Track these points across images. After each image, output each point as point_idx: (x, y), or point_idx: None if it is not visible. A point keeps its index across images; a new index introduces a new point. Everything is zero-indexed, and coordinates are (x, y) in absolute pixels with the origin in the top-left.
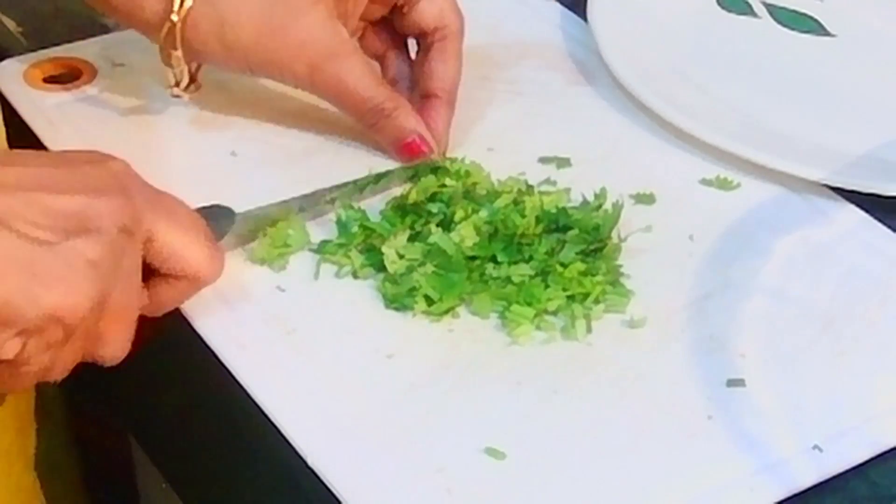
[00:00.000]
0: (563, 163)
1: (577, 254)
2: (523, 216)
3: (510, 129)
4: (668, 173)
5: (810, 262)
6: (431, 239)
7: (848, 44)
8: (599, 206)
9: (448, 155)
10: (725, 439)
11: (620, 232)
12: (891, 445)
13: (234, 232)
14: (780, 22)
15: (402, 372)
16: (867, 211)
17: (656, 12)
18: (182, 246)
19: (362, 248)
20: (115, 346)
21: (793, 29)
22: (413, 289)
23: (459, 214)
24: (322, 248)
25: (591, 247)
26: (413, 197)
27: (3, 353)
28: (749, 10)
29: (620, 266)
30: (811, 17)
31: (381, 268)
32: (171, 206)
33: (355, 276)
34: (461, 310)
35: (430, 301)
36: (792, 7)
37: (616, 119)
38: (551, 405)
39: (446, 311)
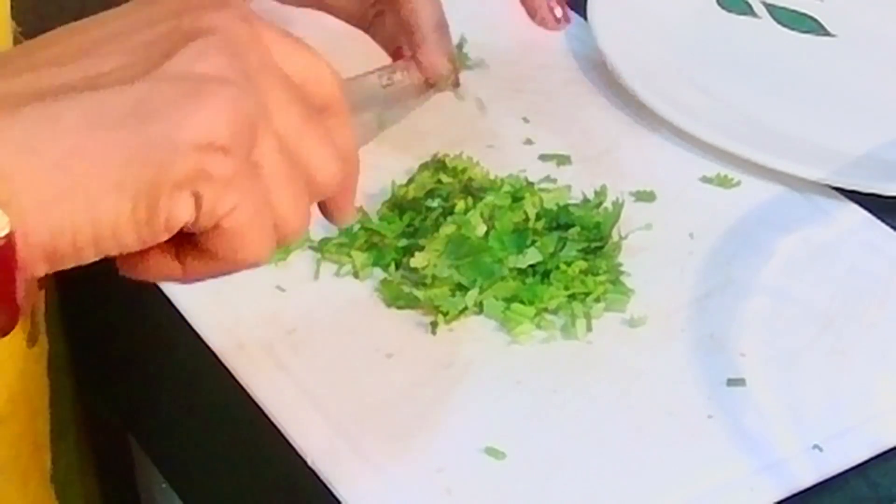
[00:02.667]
0: (563, 160)
1: (577, 252)
2: (524, 211)
3: (510, 126)
4: (668, 171)
5: (811, 262)
6: (443, 231)
7: (848, 44)
8: (600, 204)
9: (447, 152)
10: (725, 439)
11: (621, 230)
12: (891, 445)
13: None
14: (780, 22)
15: (402, 372)
16: (867, 210)
17: (656, 12)
18: (310, 67)
19: (363, 246)
20: (295, 199)
21: (793, 29)
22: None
23: (460, 206)
24: (322, 247)
25: (592, 245)
26: (411, 193)
27: (178, 219)
28: (749, 10)
29: (621, 264)
30: (811, 17)
31: (383, 266)
32: (286, 32)
33: (356, 275)
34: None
35: (455, 291)
36: (792, 7)
37: (616, 117)
38: (551, 405)
39: (464, 310)
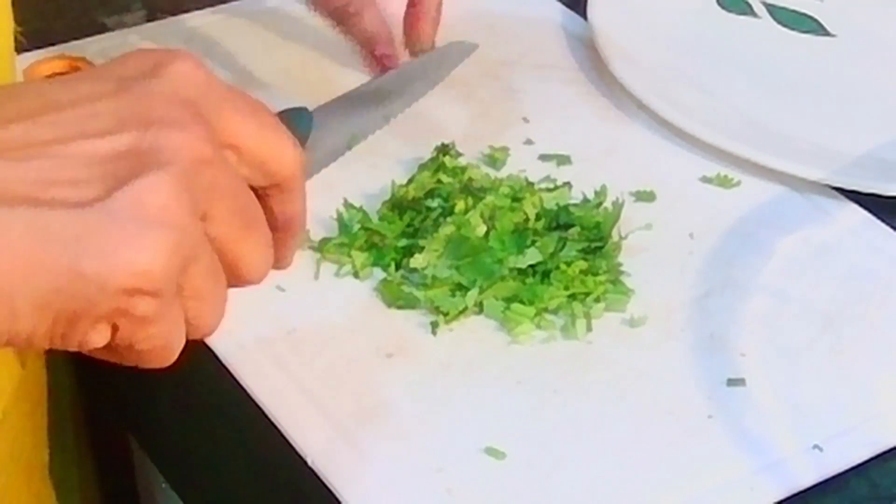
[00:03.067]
0: (563, 160)
1: (577, 252)
2: (524, 211)
3: (510, 127)
4: (668, 171)
5: (811, 262)
6: (442, 232)
7: (848, 44)
8: (600, 204)
9: (447, 152)
10: (725, 439)
11: (621, 230)
12: (891, 445)
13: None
14: (780, 22)
15: (402, 372)
16: (867, 210)
17: (656, 12)
18: (273, 148)
19: (363, 246)
20: (212, 308)
21: (793, 29)
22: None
23: (460, 206)
24: (322, 247)
25: (592, 245)
26: (411, 194)
27: (91, 344)
28: (749, 10)
29: (621, 264)
30: (811, 17)
31: (384, 266)
32: (252, 102)
33: (356, 275)
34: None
35: (455, 291)
36: (792, 7)
37: (616, 117)
38: (551, 404)
39: (464, 310)
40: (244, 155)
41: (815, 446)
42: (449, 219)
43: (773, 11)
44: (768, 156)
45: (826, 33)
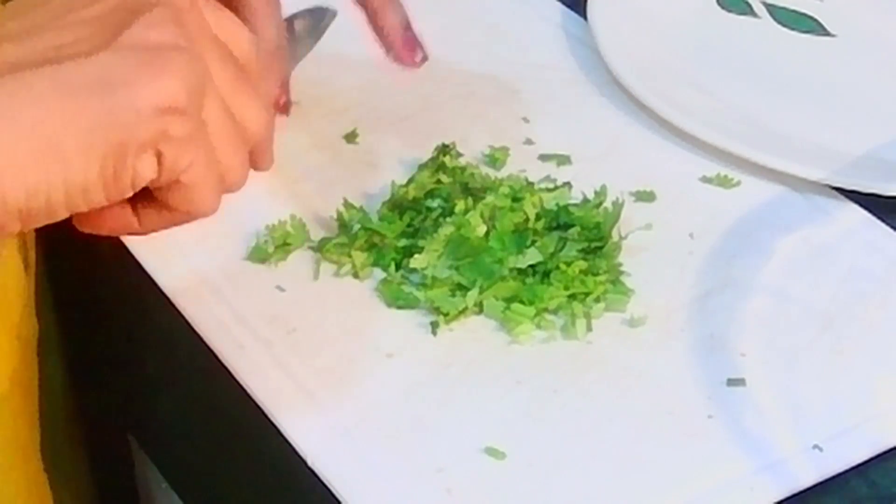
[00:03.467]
0: (563, 160)
1: (577, 252)
2: (524, 211)
3: (510, 127)
4: (668, 171)
5: (811, 262)
6: (442, 232)
7: (848, 44)
8: (600, 204)
9: (447, 152)
10: (725, 439)
11: (621, 230)
12: (891, 445)
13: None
14: (780, 22)
15: (402, 372)
16: (867, 210)
17: (656, 12)
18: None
19: (363, 246)
20: (236, 153)
21: (793, 29)
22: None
23: (460, 206)
24: (322, 247)
25: (592, 245)
26: (411, 194)
27: (142, 177)
28: (749, 10)
29: (621, 264)
30: (811, 17)
31: (384, 266)
32: None
33: (355, 275)
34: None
35: (455, 291)
36: (792, 7)
37: (616, 117)
38: (551, 404)
39: (464, 310)
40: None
41: (815, 446)
42: (449, 219)
43: (773, 11)
44: (768, 156)
45: (826, 33)
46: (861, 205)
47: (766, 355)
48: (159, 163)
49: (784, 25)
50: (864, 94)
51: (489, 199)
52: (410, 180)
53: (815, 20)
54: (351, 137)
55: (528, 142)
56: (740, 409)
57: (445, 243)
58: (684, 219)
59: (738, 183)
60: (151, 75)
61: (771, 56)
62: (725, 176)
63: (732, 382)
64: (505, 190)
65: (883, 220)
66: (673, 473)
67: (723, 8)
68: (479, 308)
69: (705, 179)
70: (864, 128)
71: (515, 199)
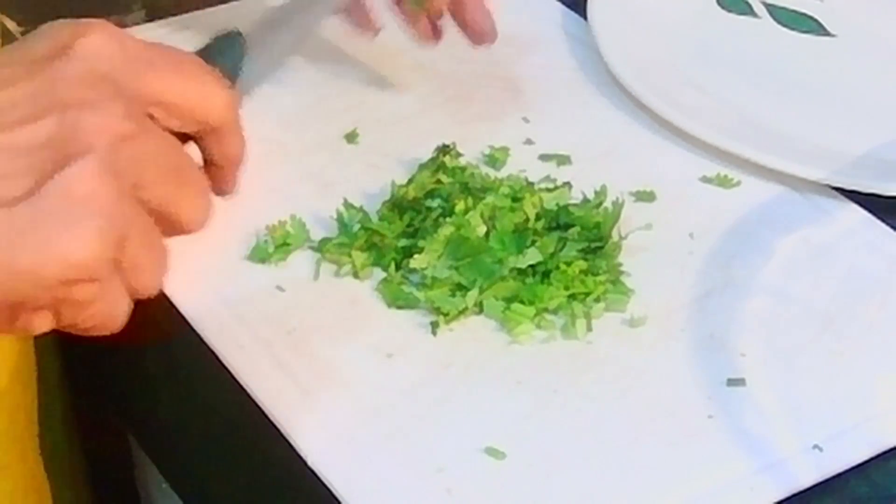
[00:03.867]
0: (563, 160)
1: (577, 252)
2: (524, 211)
3: (510, 127)
4: (668, 171)
5: (811, 261)
6: (442, 233)
7: (848, 44)
8: (600, 204)
9: (447, 152)
10: (725, 439)
11: (621, 230)
12: (891, 445)
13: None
14: (780, 22)
15: (402, 372)
16: (867, 210)
17: (656, 12)
18: (200, 97)
19: (363, 246)
20: (152, 271)
21: (793, 29)
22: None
23: (460, 206)
24: (322, 247)
25: (592, 245)
26: (411, 193)
27: (35, 330)
28: (749, 10)
29: (621, 264)
30: (811, 17)
31: (384, 266)
32: (172, 57)
33: (356, 275)
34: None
35: (455, 291)
36: (792, 7)
37: (616, 117)
38: (551, 404)
39: (464, 310)
40: (171, 110)
41: (815, 446)
42: (449, 219)
43: (773, 11)
44: (768, 156)
45: (826, 33)
46: (861, 205)
47: (766, 355)
48: (56, 319)
49: (784, 25)
50: (864, 94)
51: (489, 199)
52: (410, 180)
53: (815, 20)
54: (351, 137)
55: (528, 142)
56: (740, 409)
57: (445, 243)
58: (684, 219)
59: (738, 183)
60: (63, 245)
61: (771, 56)
62: (725, 176)
63: (732, 382)
64: (505, 190)
65: (883, 220)
66: (673, 473)
67: (723, 8)
68: (480, 308)
69: (705, 179)
70: (864, 128)
71: (515, 199)
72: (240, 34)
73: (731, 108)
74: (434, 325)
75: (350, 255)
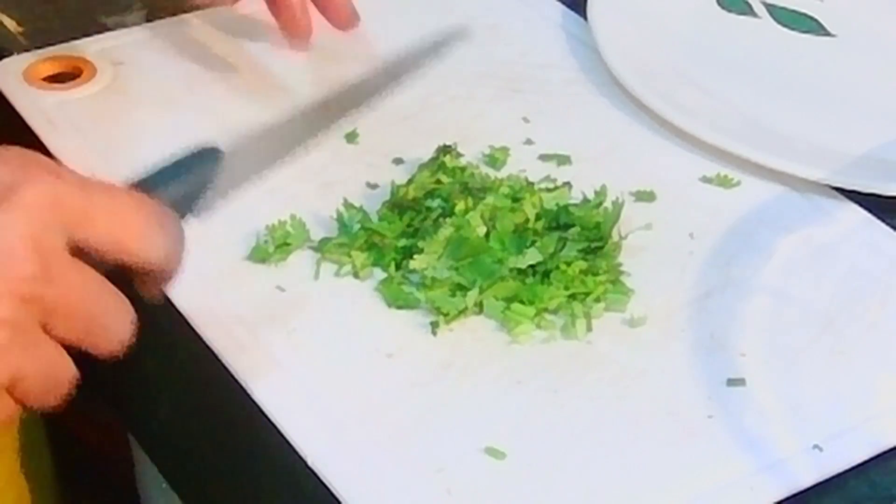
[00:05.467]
0: (563, 160)
1: (577, 252)
2: (524, 211)
3: (510, 127)
4: (668, 171)
5: (811, 262)
6: (442, 233)
7: (848, 44)
8: (600, 204)
9: (447, 152)
10: (725, 439)
11: (621, 230)
12: (891, 445)
13: (225, 177)
14: (780, 22)
15: (402, 372)
16: (867, 210)
17: (656, 12)
18: (136, 247)
19: (363, 246)
20: (109, 341)
21: (793, 29)
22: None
23: (460, 207)
24: (322, 247)
25: (592, 245)
26: (411, 194)
27: None
28: (749, 10)
29: (621, 264)
30: (811, 17)
31: (384, 266)
32: (113, 204)
33: (356, 275)
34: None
35: (455, 291)
36: (792, 7)
37: (616, 117)
38: (551, 404)
39: (464, 310)
40: (106, 256)
41: (815, 446)
42: (449, 219)
43: (773, 11)
44: (768, 156)
45: (826, 33)
46: (861, 205)
47: (766, 355)
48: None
49: (784, 25)
50: (864, 94)
51: (489, 199)
52: (410, 180)
53: (815, 20)
54: (351, 137)
55: (529, 142)
56: (740, 409)
57: (445, 244)
58: (684, 219)
59: (738, 183)
60: None
61: (771, 56)
62: (725, 176)
63: (732, 382)
64: (505, 190)
65: (883, 220)
66: (673, 473)
67: (723, 8)
68: (479, 308)
69: (705, 179)
70: (864, 128)
71: (515, 200)
72: (216, 149)
73: (731, 108)
74: (434, 326)
75: (350, 255)
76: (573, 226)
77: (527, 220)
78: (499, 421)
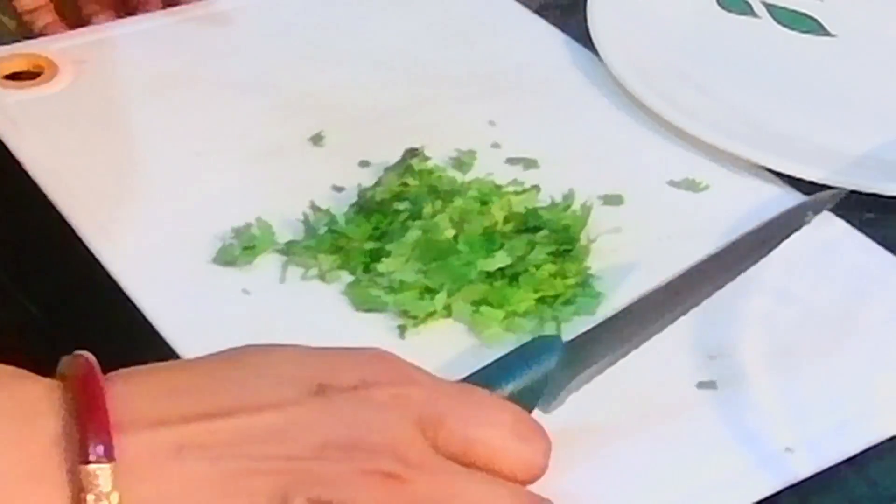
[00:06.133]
0: (530, 164)
1: (547, 255)
2: (492, 214)
3: (477, 130)
4: (637, 174)
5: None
6: (410, 236)
7: (848, 44)
8: (568, 207)
9: (414, 155)
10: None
11: (589, 233)
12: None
13: (567, 368)
14: (780, 22)
15: None
16: (868, 210)
17: (656, 12)
18: (490, 441)
19: (330, 249)
20: None
21: (793, 29)
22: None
23: (428, 209)
24: (289, 250)
25: (562, 248)
26: (378, 196)
27: None
28: (749, 10)
29: (589, 268)
30: (811, 17)
31: (351, 270)
32: (493, 411)
33: (322, 278)
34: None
35: (423, 294)
36: (792, 7)
37: (584, 121)
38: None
39: (433, 314)
40: (483, 467)
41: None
42: (417, 222)
43: (773, 11)
44: (768, 156)
45: (826, 33)
46: (861, 205)
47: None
48: None
49: (784, 25)
50: (864, 94)
51: (457, 202)
52: (377, 183)
53: (815, 20)
54: (317, 139)
55: (495, 145)
56: (708, 412)
57: (413, 247)
58: (654, 222)
59: (707, 186)
60: None
61: (771, 56)
62: (693, 180)
63: (703, 385)
64: (473, 193)
65: (883, 221)
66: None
67: (723, 8)
68: (448, 311)
69: (673, 183)
70: (864, 128)
71: (483, 203)
72: (557, 338)
73: (731, 108)
74: (402, 329)
75: (317, 259)
76: (542, 229)
77: (495, 223)
78: None
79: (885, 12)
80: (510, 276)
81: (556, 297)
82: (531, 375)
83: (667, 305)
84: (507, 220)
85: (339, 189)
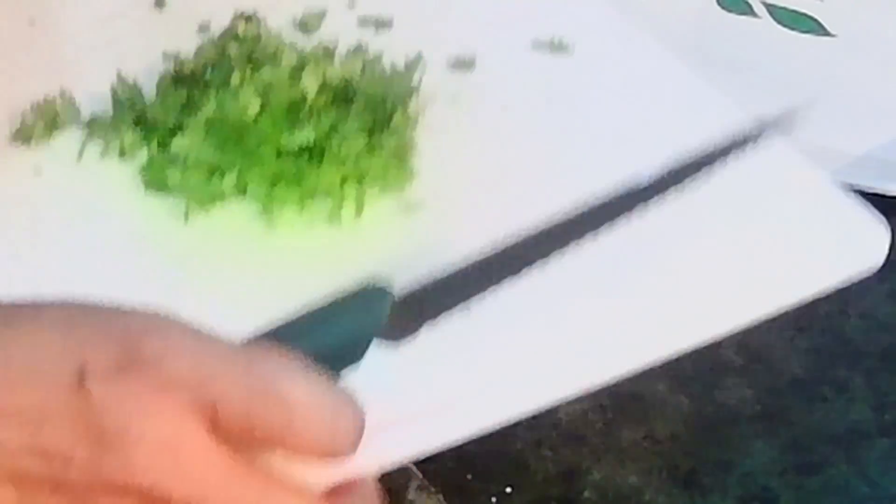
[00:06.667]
0: (383, 24)
1: (359, 130)
2: (300, 87)
3: None
4: (494, 35)
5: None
6: (204, 112)
7: (848, 44)
8: (406, 75)
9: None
10: None
11: (421, 103)
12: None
13: (391, 320)
14: (780, 22)
15: (147, 261)
16: (867, 211)
17: (656, 12)
18: (275, 420)
19: (132, 124)
20: None
21: (793, 29)
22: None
23: (236, 79)
24: (90, 125)
25: (378, 120)
26: (190, 66)
27: None
28: (749, 10)
29: (409, 143)
30: (811, 17)
31: (150, 146)
32: (255, 366)
33: (122, 154)
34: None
35: (212, 177)
36: (792, 7)
37: None
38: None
39: (221, 195)
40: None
41: None
42: (216, 96)
43: (773, 11)
44: None
45: (826, 33)
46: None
47: None
48: None
49: (784, 25)
50: (864, 94)
51: (265, 73)
52: (197, 51)
53: (815, 20)
54: (160, 2)
55: (351, 4)
56: None
57: (207, 124)
58: (501, 90)
59: (569, 46)
60: None
61: (771, 56)
62: (560, 41)
63: None
64: (291, 60)
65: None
66: None
67: (723, 8)
68: (243, 193)
69: (537, 44)
70: (864, 128)
71: (297, 70)
72: (385, 290)
73: None
74: (187, 212)
75: (117, 134)
76: (358, 100)
77: (305, 95)
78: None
79: (885, 12)
80: (318, 154)
81: (362, 175)
82: (347, 334)
83: (518, 259)
84: (321, 91)
85: (169, 58)
